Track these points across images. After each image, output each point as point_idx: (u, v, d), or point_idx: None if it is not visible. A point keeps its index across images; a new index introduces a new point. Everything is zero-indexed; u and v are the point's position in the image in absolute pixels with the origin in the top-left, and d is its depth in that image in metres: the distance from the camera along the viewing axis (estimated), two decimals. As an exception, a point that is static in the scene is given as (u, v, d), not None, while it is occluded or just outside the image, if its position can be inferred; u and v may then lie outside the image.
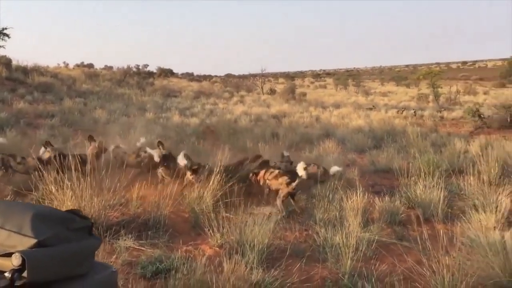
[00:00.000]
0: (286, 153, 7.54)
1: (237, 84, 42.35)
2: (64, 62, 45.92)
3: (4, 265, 1.01)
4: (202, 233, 4.89)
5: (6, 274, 0.98)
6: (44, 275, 1.05)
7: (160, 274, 3.80)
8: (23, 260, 0.99)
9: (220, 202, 5.53)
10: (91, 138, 7.28)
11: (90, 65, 48.09)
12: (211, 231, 4.69)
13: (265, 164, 6.93)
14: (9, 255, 1.00)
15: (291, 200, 6.03)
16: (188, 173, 6.49)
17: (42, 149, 6.68)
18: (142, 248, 4.38)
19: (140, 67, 45.41)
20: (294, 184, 5.93)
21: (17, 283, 0.99)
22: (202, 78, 54.34)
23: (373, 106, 24.31)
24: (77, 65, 46.78)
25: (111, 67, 45.02)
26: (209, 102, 24.23)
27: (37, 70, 24.83)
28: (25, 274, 0.99)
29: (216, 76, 64.32)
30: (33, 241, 1.07)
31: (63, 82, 23.58)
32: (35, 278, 1.01)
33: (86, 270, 1.23)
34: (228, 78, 59.34)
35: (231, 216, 5.11)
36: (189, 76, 55.97)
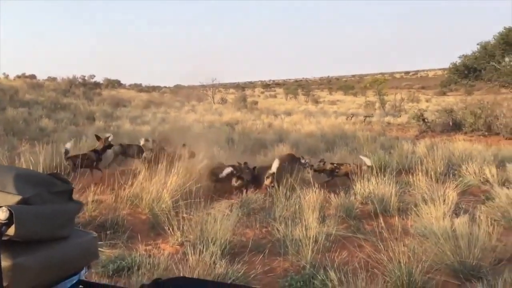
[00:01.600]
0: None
1: (187, 94, 42.08)
2: (4, 73, 43.83)
3: None
4: (162, 232, 4.85)
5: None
6: (30, 232, 1.03)
7: (122, 271, 3.73)
8: (10, 215, 0.97)
9: (180, 202, 5.49)
10: (98, 137, 7.81)
11: (32, 76, 46.17)
12: (171, 230, 4.66)
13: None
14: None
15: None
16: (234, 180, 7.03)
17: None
18: (101, 249, 4.28)
19: (86, 78, 44.16)
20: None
21: (4, 237, 0.97)
22: (151, 89, 53.55)
23: (352, 115, 24.49)
24: (18, 76, 44.76)
25: (55, 78, 43.44)
26: (160, 111, 23.95)
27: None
28: (11, 230, 0.97)
29: (165, 87, 63.64)
30: (17, 197, 1.06)
31: (5, 92, 22.59)
32: (22, 233, 0.99)
33: (68, 233, 1.22)
34: (178, 88, 58.80)
35: (192, 215, 5.09)
36: (138, 87, 55.00)
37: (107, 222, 4.89)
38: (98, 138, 7.74)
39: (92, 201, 5.32)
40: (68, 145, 7.27)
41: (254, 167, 7.46)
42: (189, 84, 58.44)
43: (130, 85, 56.42)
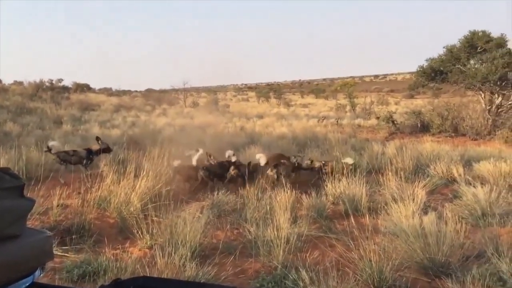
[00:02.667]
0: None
1: (158, 98, 41.65)
2: (-36, 78, 42.34)
3: None
4: (130, 236, 4.74)
5: None
6: None
7: (88, 276, 3.62)
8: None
9: (149, 205, 5.38)
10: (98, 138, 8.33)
11: (-4, 80, 44.80)
12: (140, 233, 4.56)
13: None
14: None
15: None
16: (232, 169, 7.47)
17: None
18: (66, 254, 4.15)
19: (54, 82, 43.17)
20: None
21: None
22: (121, 93, 52.69)
23: (323, 117, 24.47)
24: (-20, 80, 43.36)
25: (21, 82, 42.31)
26: (130, 115, 23.61)
27: None
28: None
29: (136, 91, 62.81)
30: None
31: (-34, 96, 21.87)
32: None
33: (19, 232, 1.14)
34: (149, 92, 58.11)
35: (161, 218, 4.99)
36: (108, 91, 54.05)
37: (73, 227, 4.75)
38: (98, 139, 8.25)
39: (58, 205, 5.17)
40: (52, 143, 7.75)
41: (249, 163, 7.74)
42: (161, 88, 57.84)
43: (100, 89, 55.39)
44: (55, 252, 4.10)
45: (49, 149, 7.51)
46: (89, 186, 5.94)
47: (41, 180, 5.62)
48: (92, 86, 49.37)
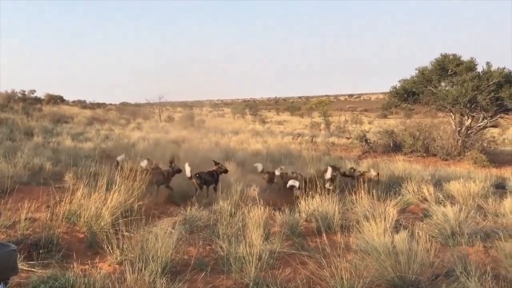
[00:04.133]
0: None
1: (133, 111, 41.27)
2: None
3: None
4: (100, 251, 4.63)
5: None
6: None
7: (54, 292, 3.51)
8: None
9: (121, 220, 5.29)
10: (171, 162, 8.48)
11: (-36, 91, 43.64)
12: (110, 248, 4.47)
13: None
14: None
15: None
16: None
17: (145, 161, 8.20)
18: (33, 269, 4.03)
19: (26, 93, 42.35)
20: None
21: None
22: (95, 106, 52.02)
23: (298, 135, 24.60)
24: None
25: (-8, 93, 41.33)
26: (104, 128, 23.28)
27: None
28: None
29: (111, 104, 62.16)
30: None
31: None
32: None
33: (-18, 245, 1.11)
34: (123, 106, 57.58)
35: (132, 233, 4.91)
36: (81, 104, 53.28)
37: (40, 241, 4.61)
38: (171, 162, 8.39)
39: (25, 218, 5.03)
40: (119, 158, 8.20)
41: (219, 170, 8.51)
42: (136, 102, 57.36)
43: (73, 102, 54.62)
44: (21, 266, 3.98)
45: (117, 164, 7.98)
46: (58, 199, 5.81)
47: (9, 193, 5.48)
48: (65, 98, 48.65)
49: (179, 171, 8.27)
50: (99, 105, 54.11)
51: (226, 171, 8.73)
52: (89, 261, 4.45)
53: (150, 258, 4.08)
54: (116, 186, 5.79)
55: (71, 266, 4.20)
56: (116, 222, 5.31)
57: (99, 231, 5.04)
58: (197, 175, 7.96)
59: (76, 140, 15.22)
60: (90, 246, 4.91)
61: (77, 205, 5.58)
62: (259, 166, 9.36)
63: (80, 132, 19.22)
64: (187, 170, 7.89)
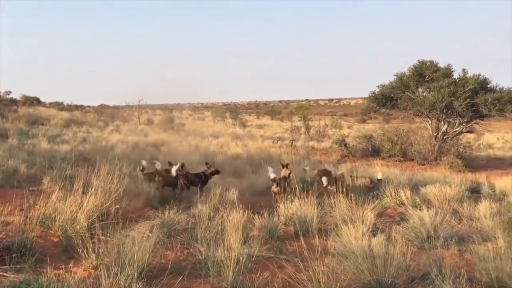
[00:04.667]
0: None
1: (112, 114, 40.84)
2: None
3: None
4: (75, 255, 4.55)
5: None
6: None
7: (27, 297, 3.43)
8: None
9: (97, 223, 5.20)
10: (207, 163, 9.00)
11: None
12: (85, 252, 4.39)
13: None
14: None
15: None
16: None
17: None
18: (5, 274, 3.94)
19: (1, 94, 41.57)
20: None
21: None
22: (73, 108, 51.33)
23: (278, 138, 24.59)
24: None
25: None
26: (82, 130, 22.97)
27: None
28: None
29: (89, 106, 61.43)
30: None
31: None
32: None
33: None
34: (102, 108, 56.96)
35: (109, 237, 4.83)
36: (59, 105, 52.50)
37: (13, 245, 4.51)
38: (207, 164, 8.89)
39: (-2, 222, 4.90)
40: (144, 162, 8.57)
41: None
42: (115, 104, 56.76)
43: (50, 103, 53.81)
44: (-8, 271, 3.89)
45: (143, 169, 8.47)
46: (32, 202, 5.69)
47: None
48: (42, 99, 47.92)
49: (218, 172, 8.85)
50: (77, 107, 53.41)
51: (217, 172, 8.87)
52: (63, 266, 4.37)
53: (127, 262, 4.02)
54: (93, 189, 5.69)
55: (45, 270, 4.11)
56: (92, 226, 5.23)
57: (75, 235, 4.95)
58: (184, 175, 8.22)
59: (52, 143, 14.96)
60: (65, 250, 4.82)
61: (52, 209, 5.48)
62: (271, 174, 8.35)
63: (57, 134, 18.93)
64: (173, 170, 8.11)
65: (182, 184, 8.15)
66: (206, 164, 8.97)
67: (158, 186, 7.95)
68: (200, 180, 8.47)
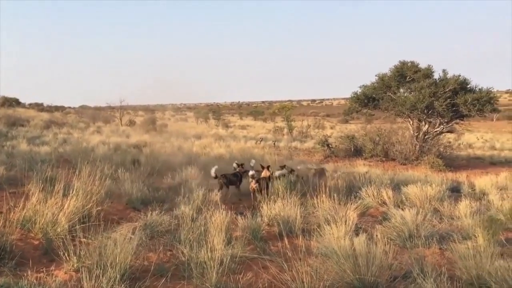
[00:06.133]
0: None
1: (93, 115, 40.37)
2: None
3: None
4: (56, 258, 4.49)
5: None
6: None
7: (6, 302, 3.37)
8: None
9: (78, 226, 5.14)
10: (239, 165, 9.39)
11: None
12: (66, 255, 4.33)
13: None
14: None
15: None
16: (252, 182, 8.13)
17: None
18: (-17, 278, 3.85)
19: (-20, 95, 40.78)
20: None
21: None
22: (53, 109, 50.66)
23: (261, 139, 24.57)
24: None
25: None
26: (62, 131, 22.63)
27: None
28: None
29: (69, 107, 60.73)
30: None
31: None
32: None
33: None
34: (83, 109, 56.31)
35: (90, 239, 4.78)
36: (38, 106, 51.76)
37: (-9, 249, 4.42)
38: (239, 165, 9.30)
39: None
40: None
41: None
42: (96, 105, 56.14)
43: (30, 104, 53.03)
44: (-30, 275, 3.81)
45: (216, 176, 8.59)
46: (12, 205, 5.59)
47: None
48: (22, 101, 47.21)
49: (247, 171, 8.98)
50: (57, 108, 52.73)
51: (246, 172, 9.05)
52: (44, 269, 4.29)
53: (109, 265, 3.98)
54: (74, 191, 5.62)
55: (25, 274, 4.04)
56: (73, 228, 5.16)
57: (55, 238, 4.88)
58: (223, 175, 8.69)
59: (32, 144, 14.70)
60: (46, 253, 4.75)
61: (32, 211, 5.39)
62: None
63: (37, 136, 18.61)
64: (212, 171, 8.63)
65: (221, 183, 8.55)
66: (239, 165, 9.32)
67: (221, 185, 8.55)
68: (237, 179, 8.92)
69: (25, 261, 4.42)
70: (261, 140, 22.73)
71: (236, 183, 8.89)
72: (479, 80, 30.62)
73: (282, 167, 9.29)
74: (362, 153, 18.90)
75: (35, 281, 3.82)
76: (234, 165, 9.59)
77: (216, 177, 8.60)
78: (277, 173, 8.79)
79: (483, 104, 17.26)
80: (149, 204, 7.13)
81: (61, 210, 5.34)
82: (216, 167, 8.74)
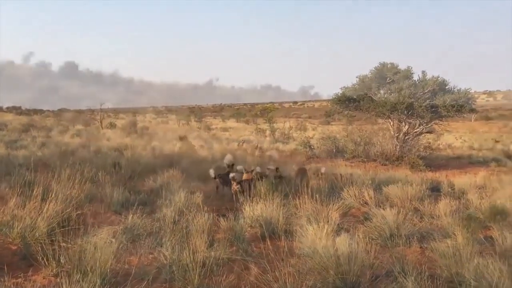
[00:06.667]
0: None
1: (73, 118, 39.87)
2: None
3: None
4: (34, 263, 4.41)
5: None
6: None
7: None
8: None
9: (57, 230, 5.05)
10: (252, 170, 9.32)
11: None
12: (45, 260, 4.26)
13: None
14: None
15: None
16: (234, 184, 8.39)
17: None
18: (-41, 285, 3.77)
19: (-45, 99, 39.91)
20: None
21: None
22: (32, 112, 49.93)
23: (243, 141, 24.56)
24: None
25: None
26: (41, 135, 22.27)
27: None
28: None
29: (48, 110, 59.90)
30: None
31: None
32: None
33: None
34: (62, 112, 55.60)
35: (70, 243, 4.70)
36: (16, 110, 50.96)
37: (-33, 255, 4.33)
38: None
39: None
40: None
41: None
42: (75, 108, 55.48)
43: (7, 108, 52.19)
44: None
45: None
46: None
47: None
48: (-1, 105, 46.47)
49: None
50: (36, 111, 51.98)
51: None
52: (22, 274, 4.21)
53: (89, 269, 3.92)
54: (53, 195, 5.53)
55: (3, 279, 3.97)
56: (52, 232, 5.07)
57: (34, 242, 4.79)
58: (219, 175, 9.09)
59: (10, 148, 14.45)
60: (24, 258, 4.66)
61: (10, 216, 5.29)
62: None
63: (15, 140, 18.28)
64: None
65: (218, 183, 9.05)
66: (229, 166, 9.72)
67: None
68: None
69: (2, 267, 4.33)
70: (244, 142, 22.71)
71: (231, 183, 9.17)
72: (457, 82, 31.15)
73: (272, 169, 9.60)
74: (344, 154, 19.03)
75: (13, 286, 3.75)
76: (224, 164, 10.01)
77: (215, 177, 9.00)
78: (258, 168, 9.10)
79: (461, 104, 17.55)
80: (130, 207, 7.04)
81: (39, 214, 5.25)
82: (214, 168, 9.18)
